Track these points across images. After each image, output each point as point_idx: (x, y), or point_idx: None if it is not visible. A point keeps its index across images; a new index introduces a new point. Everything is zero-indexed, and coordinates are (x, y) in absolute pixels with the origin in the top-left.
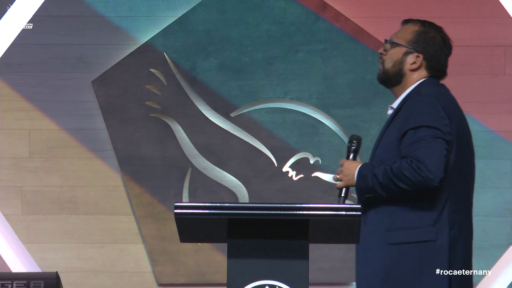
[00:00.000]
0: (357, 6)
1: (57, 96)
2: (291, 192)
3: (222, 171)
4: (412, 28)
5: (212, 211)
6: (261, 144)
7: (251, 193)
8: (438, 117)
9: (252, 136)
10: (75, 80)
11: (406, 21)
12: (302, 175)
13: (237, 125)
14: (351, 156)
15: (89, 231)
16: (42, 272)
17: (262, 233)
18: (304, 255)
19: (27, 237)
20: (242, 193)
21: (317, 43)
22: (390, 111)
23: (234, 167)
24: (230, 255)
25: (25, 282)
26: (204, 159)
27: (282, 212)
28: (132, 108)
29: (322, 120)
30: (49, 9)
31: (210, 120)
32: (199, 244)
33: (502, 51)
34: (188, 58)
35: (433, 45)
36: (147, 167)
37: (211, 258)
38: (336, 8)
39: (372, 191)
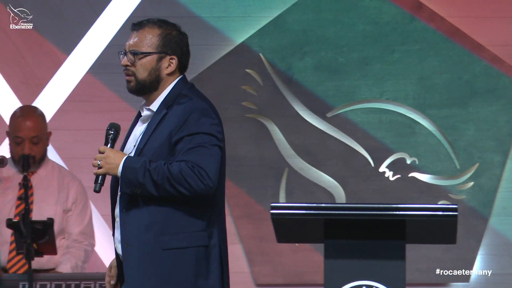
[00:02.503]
0: (452, 5)
1: None
2: (388, 193)
3: (318, 171)
4: (153, 32)
5: (308, 212)
6: (357, 144)
7: (347, 193)
8: (213, 124)
9: (348, 136)
10: None
11: (138, 26)
12: (399, 175)
13: (334, 125)
14: (109, 145)
15: None
16: None
17: (358, 234)
18: (401, 256)
19: None
20: (339, 193)
21: (413, 43)
22: (147, 112)
23: (330, 167)
24: (327, 255)
25: None
26: (301, 159)
27: (378, 212)
28: (228, 108)
29: (418, 120)
30: (146, 9)
31: (306, 121)
32: (296, 244)
33: None
34: (284, 59)
35: (180, 43)
36: (244, 167)
37: (309, 258)
38: (431, 7)
39: (141, 186)
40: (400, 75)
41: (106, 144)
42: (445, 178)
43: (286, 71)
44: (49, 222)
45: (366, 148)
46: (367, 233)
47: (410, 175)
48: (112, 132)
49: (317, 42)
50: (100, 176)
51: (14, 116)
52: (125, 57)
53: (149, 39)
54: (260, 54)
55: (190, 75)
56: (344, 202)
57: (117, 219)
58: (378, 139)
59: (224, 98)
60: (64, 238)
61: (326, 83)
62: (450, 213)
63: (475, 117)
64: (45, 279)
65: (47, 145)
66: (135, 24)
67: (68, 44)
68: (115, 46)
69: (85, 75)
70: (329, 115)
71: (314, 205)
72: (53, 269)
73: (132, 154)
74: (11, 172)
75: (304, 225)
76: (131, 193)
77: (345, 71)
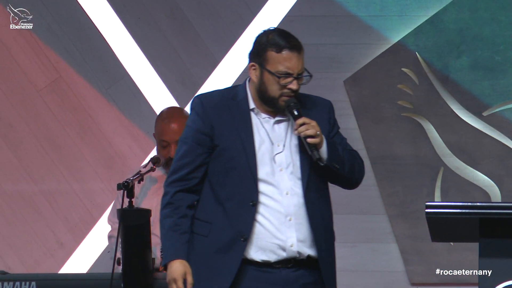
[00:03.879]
0: None
1: None
2: None
3: (474, 170)
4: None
5: (463, 211)
6: None
7: (503, 192)
8: None
9: (504, 135)
10: (327, 80)
11: (299, 48)
12: None
13: (490, 124)
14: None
15: (341, 231)
16: None
17: None
18: None
19: None
20: (495, 193)
21: None
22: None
23: (486, 166)
24: (482, 254)
25: None
26: (456, 158)
27: None
28: (384, 107)
29: None
30: (302, 9)
31: (462, 119)
32: (451, 243)
33: None
34: (440, 57)
35: None
36: (399, 166)
37: (463, 257)
38: None
39: (340, 162)
40: None
41: (299, 115)
42: None
43: (442, 70)
44: None
45: None
46: None
47: None
48: (295, 105)
49: (474, 40)
50: (315, 145)
51: (159, 119)
52: (297, 81)
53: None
54: (416, 53)
55: (346, 73)
56: (500, 201)
57: (290, 217)
58: None
59: (380, 97)
60: None
61: (482, 82)
62: None
63: None
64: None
65: None
66: (296, 45)
67: (224, 44)
68: None
69: (241, 74)
70: (485, 113)
71: (469, 204)
72: None
73: (286, 153)
74: (160, 174)
75: (459, 224)
76: (330, 167)
77: (502, 69)
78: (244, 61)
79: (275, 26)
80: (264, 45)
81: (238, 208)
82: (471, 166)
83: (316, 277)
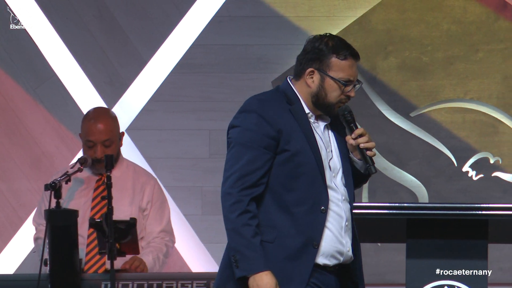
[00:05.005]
0: None
1: (238, 97)
2: (471, 192)
3: (401, 171)
4: None
5: (391, 211)
6: (441, 144)
7: (430, 193)
8: None
9: (431, 136)
10: (255, 80)
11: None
12: (482, 175)
13: (417, 125)
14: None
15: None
16: None
17: (441, 233)
18: (483, 255)
19: (207, 237)
20: (422, 193)
21: (498, 42)
22: (323, 122)
23: (413, 167)
24: (409, 255)
25: (205, 282)
26: (384, 159)
27: (461, 212)
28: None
29: (502, 120)
30: (230, 9)
31: (390, 120)
32: (379, 244)
33: None
34: (368, 58)
35: None
36: None
37: (391, 258)
38: None
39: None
40: (484, 75)
41: (355, 126)
42: None
43: (370, 71)
44: (132, 222)
45: (449, 148)
46: (449, 233)
47: (494, 174)
48: (350, 115)
49: (401, 41)
50: (371, 158)
51: (85, 119)
52: (353, 89)
53: None
54: None
55: (274, 74)
56: (427, 202)
57: (347, 223)
58: (462, 139)
59: None
60: (142, 238)
61: (410, 83)
62: None
63: None
64: (127, 278)
65: (120, 145)
66: (357, 53)
67: (152, 44)
68: (199, 46)
69: (169, 74)
70: (412, 114)
71: (397, 205)
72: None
73: (335, 158)
74: (86, 175)
75: (386, 224)
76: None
77: (429, 70)
78: (172, 62)
79: (203, 26)
80: (325, 52)
81: (309, 214)
82: (398, 167)
83: (347, 279)
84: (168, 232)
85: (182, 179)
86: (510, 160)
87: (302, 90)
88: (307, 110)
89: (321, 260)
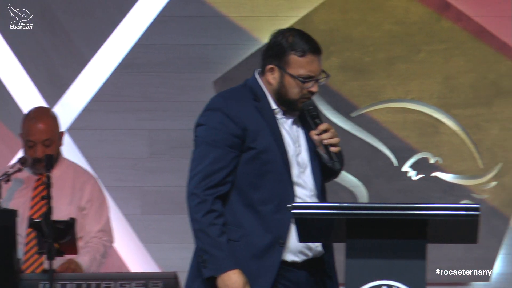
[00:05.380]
0: (479, 5)
1: (179, 97)
2: (411, 192)
3: (342, 171)
4: None
5: (331, 211)
6: (381, 144)
7: (371, 193)
8: None
9: (372, 136)
10: (197, 80)
11: (320, 51)
12: (422, 175)
13: (358, 125)
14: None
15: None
16: (161, 272)
17: (380, 233)
18: (422, 255)
19: (147, 237)
20: (362, 193)
21: (439, 43)
22: (290, 118)
23: (354, 167)
24: (349, 255)
25: (144, 282)
26: None
27: (400, 212)
28: None
29: (443, 120)
30: (172, 9)
31: (331, 120)
32: None
33: None
34: None
35: None
36: None
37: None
38: (458, 7)
39: (343, 163)
40: (426, 75)
41: (319, 121)
42: (468, 177)
43: None
44: (71, 222)
45: (390, 148)
46: (388, 233)
47: (433, 174)
48: (315, 109)
49: (343, 42)
50: (336, 154)
51: (26, 119)
52: (316, 83)
53: None
54: None
55: (216, 74)
56: (367, 201)
57: None
58: (402, 139)
59: None
60: (81, 237)
61: (351, 83)
62: (472, 212)
63: (499, 116)
64: (66, 279)
65: (61, 145)
66: (318, 48)
67: (94, 43)
68: (141, 45)
69: (110, 74)
70: (353, 114)
71: (337, 205)
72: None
73: (304, 153)
74: (26, 175)
75: (326, 225)
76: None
77: (371, 70)
78: (114, 62)
79: (146, 26)
80: (285, 48)
81: (275, 212)
82: None
83: (321, 274)
84: (107, 231)
85: (122, 179)
86: (450, 160)
87: (267, 86)
88: (273, 106)
89: (289, 257)
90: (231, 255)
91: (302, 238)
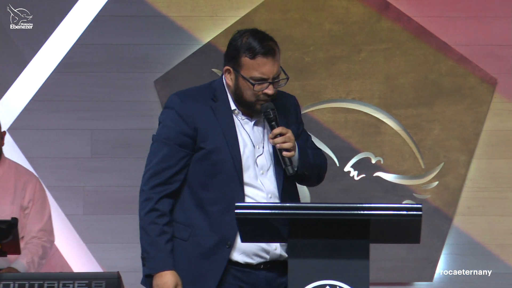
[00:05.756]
0: (419, 5)
1: (120, 96)
2: (353, 192)
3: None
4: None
5: (273, 211)
6: (323, 144)
7: (312, 193)
8: None
9: (314, 136)
10: (137, 80)
11: (274, 51)
12: (363, 175)
13: None
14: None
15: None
16: (103, 272)
17: (323, 233)
18: (365, 255)
19: (89, 237)
20: (304, 193)
21: (380, 43)
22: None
23: None
24: (291, 255)
25: (87, 282)
26: None
27: (343, 212)
28: None
29: (384, 120)
30: (112, 9)
31: None
32: None
33: None
34: None
35: None
36: None
37: None
38: (398, 7)
39: (310, 168)
40: (367, 75)
41: (276, 124)
42: (410, 177)
43: None
44: (14, 222)
45: (331, 148)
46: (331, 233)
47: (375, 174)
48: (273, 112)
49: (284, 41)
50: (290, 159)
51: None
52: (272, 85)
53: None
54: None
55: (157, 74)
56: (309, 201)
57: None
58: (344, 139)
59: None
60: (22, 237)
61: (292, 83)
62: (414, 212)
63: (440, 116)
64: (8, 278)
65: (2, 145)
66: (271, 49)
67: (34, 43)
68: (82, 45)
69: (51, 74)
70: None
71: (279, 205)
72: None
73: (265, 155)
74: None
75: (269, 224)
76: (300, 174)
77: (312, 70)
78: (54, 61)
79: (86, 25)
80: (238, 49)
81: (223, 213)
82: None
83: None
84: (47, 231)
85: (64, 179)
86: (392, 160)
87: (228, 87)
88: (233, 107)
89: (241, 258)
90: (168, 256)
91: (245, 238)
